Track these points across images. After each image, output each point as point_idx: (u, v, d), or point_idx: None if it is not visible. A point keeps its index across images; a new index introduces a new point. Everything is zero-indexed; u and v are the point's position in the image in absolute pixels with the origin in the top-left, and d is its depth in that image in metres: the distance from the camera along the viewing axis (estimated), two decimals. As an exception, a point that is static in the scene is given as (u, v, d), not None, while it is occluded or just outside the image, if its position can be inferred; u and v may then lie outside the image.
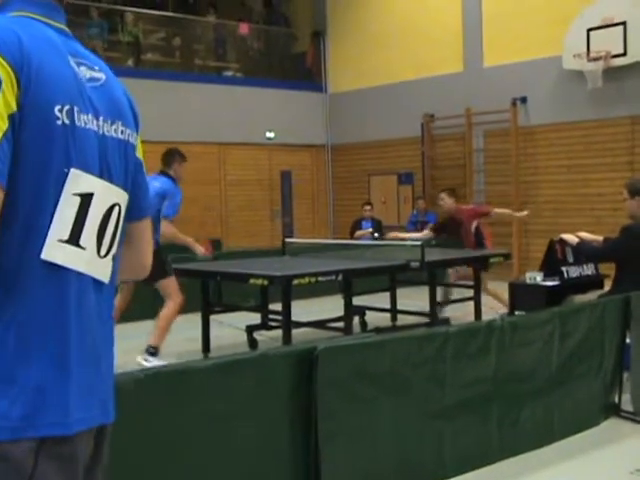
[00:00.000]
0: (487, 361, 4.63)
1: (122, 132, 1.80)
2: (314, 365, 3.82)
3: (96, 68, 1.78)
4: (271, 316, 8.22)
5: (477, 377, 4.60)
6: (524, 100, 13.75)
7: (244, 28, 16.91)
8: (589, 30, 12.39)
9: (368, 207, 13.81)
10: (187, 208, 15.15)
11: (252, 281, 7.04)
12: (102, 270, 1.73)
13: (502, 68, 14.02)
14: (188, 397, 3.53)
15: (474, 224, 9.44)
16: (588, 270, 6.86)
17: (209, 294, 8.08)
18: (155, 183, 6.97)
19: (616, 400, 5.58)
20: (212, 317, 8.30)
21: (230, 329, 8.95)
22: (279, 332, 7.42)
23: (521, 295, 6.75)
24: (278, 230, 16.33)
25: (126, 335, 8.08)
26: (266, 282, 6.99)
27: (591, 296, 6.56)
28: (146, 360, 7.15)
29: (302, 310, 8.46)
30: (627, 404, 5.58)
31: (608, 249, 6.58)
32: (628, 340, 5.59)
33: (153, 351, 7.20)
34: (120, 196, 1.77)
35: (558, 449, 4.99)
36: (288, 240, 9.68)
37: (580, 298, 6.61)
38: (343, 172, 17.38)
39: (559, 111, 13.31)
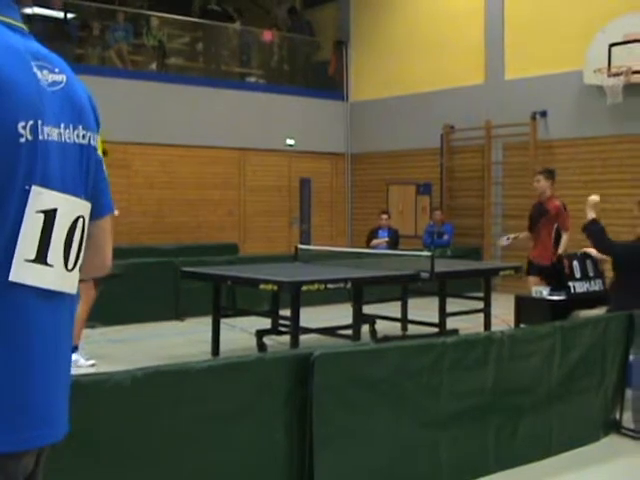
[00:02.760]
0: (485, 373, 4.67)
1: (83, 136, 1.75)
2: (310, 370, 3.88)
3: (57, 70, 1.71)
4: (281, 321, 8.30)
5: (475, 388, 4.63)
6: (544, 114, 13.75)
7: (268, 35, 17.02)
8: (611, 45, 12.36)
9: (385, 216, 13.86)
10: (207, 212, 15.37)
11: (262, 286, 7.13)
12: (70, 283, 1.71)
13: (523, 81, 14.02)
14: (184, 397, 3.60)
15: (555, 225, 8.91)
16: (595, 286, 6.87)
17: (220, 298, 8.16)
18: None
19: (617, 417, 5.59)
20: (225, 321, 8.39)
21: (242, 333, 9.04)
22: (289, 337, 7.48)
23: (526, 309, 6.78)
24: (296, 237, 16.38)
25: (145, 334, 8.26)
26: (275, 287, 7.07)
27: (598, 312, 6.57)
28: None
29: (314, 317, 8.53)
30: (629, 421, 5.58)
31: (616, 247, 6.50)
32: (631, 357, 5.60)
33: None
34: (83, 207, 1.74)
35: (556, 463, 5.00)
36: (301, 247, 9.74)
37: (586, 313, 6.62)
38: (362, 181, 17.44)
39: (578, 126, 13.30)
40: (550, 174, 9.30)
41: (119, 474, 3.43)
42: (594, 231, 6.53)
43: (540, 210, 9.18)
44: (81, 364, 7.33)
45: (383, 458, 4.24)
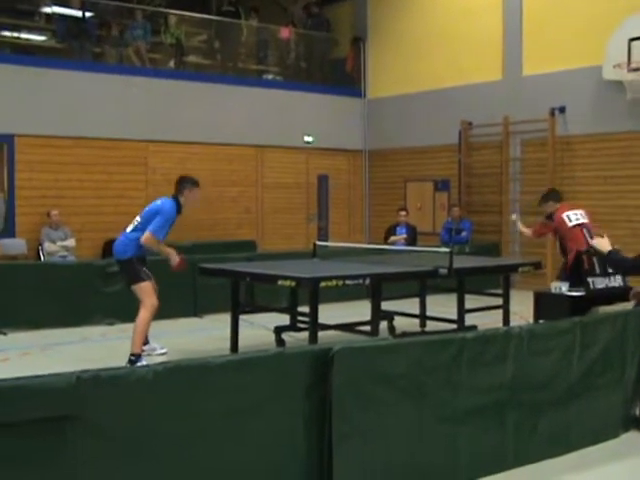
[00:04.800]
0: (504, 368, 4.66)
1: None
2: (330, 365, 3.89)
3: None
4: (300, 318, 8.31)
5: (493, 384, 4.63)
6: (562, 110, 13.67)
7: (285, 32, 17.03)
8: (630, 40, 12.26)
9: (403, 213, 13.84)
10: (224, 209, 15.41)
11: (280, 282, 7.12)
12: None
13: (541, 77, 13.96)
14: (204, 392, 3.63)
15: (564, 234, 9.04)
16: (615, 282, 6.83)
17: (238, 294, 8.18)
18: (157, 201, 7.67)
19: (637, 413, 5.56)
20: (243, 317, 8.41)
21: (261, 330, 9.07)
22: (307, 334, 7.49)
23: (545, 305, 6.75)
24: (313, 233, 16.40)
25: (164, 331, 8.28)
26: (294, 283, 7.06)
27: (617, 308, 6.52)
28: None
29: (331, 313, 8.53)
30: (648, 417, 5.57)
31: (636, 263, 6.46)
32: (651, 353, 5.56)
33: (134, 359, 7.34)
34: None
35: (575, 459, 5.00)
36: (319, 243, 9.74)
37: (605, 310, 6.58)
38: (380, 177, 17.41)
39: (598, 121, 13.21)
40: (546, 196, 9.48)
41: (140, 465, 3.47)
42: (615, 261, 6.52)
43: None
44: None
45: (402, 453, 4.25)
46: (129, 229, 7.66)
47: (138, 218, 7.66)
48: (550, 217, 9.19)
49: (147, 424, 3.47)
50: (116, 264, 7.99)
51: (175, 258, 7.63)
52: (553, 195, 9.52)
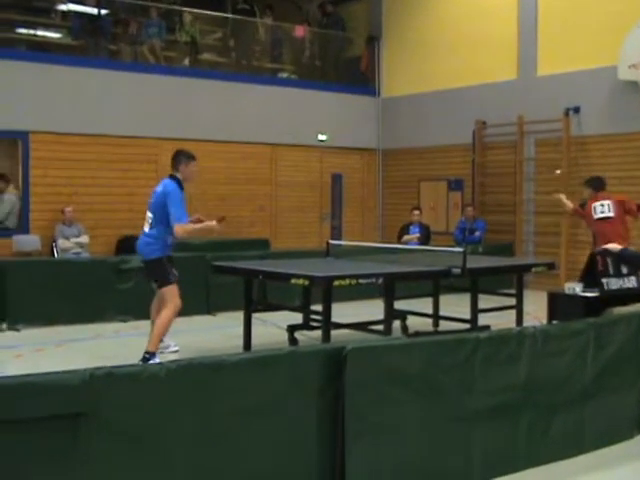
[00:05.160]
0: (518, 369, 4.65)
1: None
2: (343, 364, 3.89)
3: None
4: (313, 316, 8.30)
5: (507, 384, 4.61)
6: (577, 110, 13.60)
7: (300, 31, 17.03)
8: (646, 41, 12.22)
9: (417, 212, 13.82)
10: (238, 207, 15.43)
11: (293, 281, 7.10)
12: None
13: (556, 77, 13.90)
14: (216, 390, 3.63)
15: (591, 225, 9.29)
16: (629, 283, 6.80)
17: (251, 292, 8.18)
18: (159, 188, 7.46)
19: (651, 414, 5.53)
20: (256, 315, 8.40)
21: (273, 328, 9.07)
22: (320, 332, 7.48)
23: (560, 305, 6.72)
24: (327, 232, 16.39)
25: (177, 329, 8.29)
26: (307, 282, 7.04)
27: (632, 309, 6.50)
28: None
29: (345, 312, 8.54)
30: (663, 419, 5.53)
31: None
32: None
33: (148, 357, 7.30)
34: None
35: (588, 461, 4.97)
36: (332, 242, 9.72)
37: (620, 310, 6.55)
38: (393, 177, 17.39)
39: (612, 122, 13.15)
40: (588, 182, 9.54)
41: (152, 462, 3.47)
42: (630, 256, 6.58)
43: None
44: None
45: (414, 453, 4.24)
46: (146, 228, 7.55)
47: (149, 214, 7.55)
48: (583, 205, 9.19)
49: (160, 422, 3.48)
50: (143, 263, 7.89)
51: (214, 226, 7.49)
52: (593, 182, 9.50)
